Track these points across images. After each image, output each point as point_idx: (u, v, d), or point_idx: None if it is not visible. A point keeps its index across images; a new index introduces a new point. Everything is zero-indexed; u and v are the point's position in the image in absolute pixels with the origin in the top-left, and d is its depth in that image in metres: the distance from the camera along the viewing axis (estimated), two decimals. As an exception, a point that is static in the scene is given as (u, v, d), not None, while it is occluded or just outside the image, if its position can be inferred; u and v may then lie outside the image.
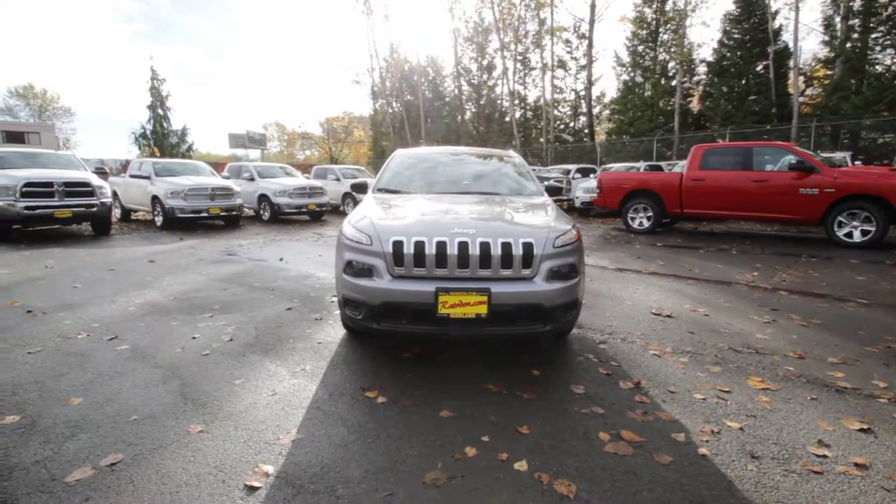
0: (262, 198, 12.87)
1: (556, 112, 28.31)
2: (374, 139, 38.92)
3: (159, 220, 10.60)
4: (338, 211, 15.43)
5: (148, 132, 30.66)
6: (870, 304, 4.28)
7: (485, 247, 2.58)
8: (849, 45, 17.04)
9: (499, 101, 32.31)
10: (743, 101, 20.24)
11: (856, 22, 16.91)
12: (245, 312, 4.03)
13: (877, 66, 16.86)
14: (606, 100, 28.03)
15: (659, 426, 2.18)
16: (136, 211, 12.24)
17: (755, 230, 9.93)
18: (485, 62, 31.88)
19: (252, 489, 1.70)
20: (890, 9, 16.22)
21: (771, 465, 1.89)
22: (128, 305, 4.23)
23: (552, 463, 1.87)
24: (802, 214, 7.66)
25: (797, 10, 18.01)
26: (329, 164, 19.41)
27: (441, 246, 2.58)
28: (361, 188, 4.10)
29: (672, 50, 23.35)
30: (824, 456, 1.95)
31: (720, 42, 21.34)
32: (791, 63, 19.29)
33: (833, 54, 17.78)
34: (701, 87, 22.87)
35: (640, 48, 24.45)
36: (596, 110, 27.70)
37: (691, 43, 23.16)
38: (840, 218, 7.31)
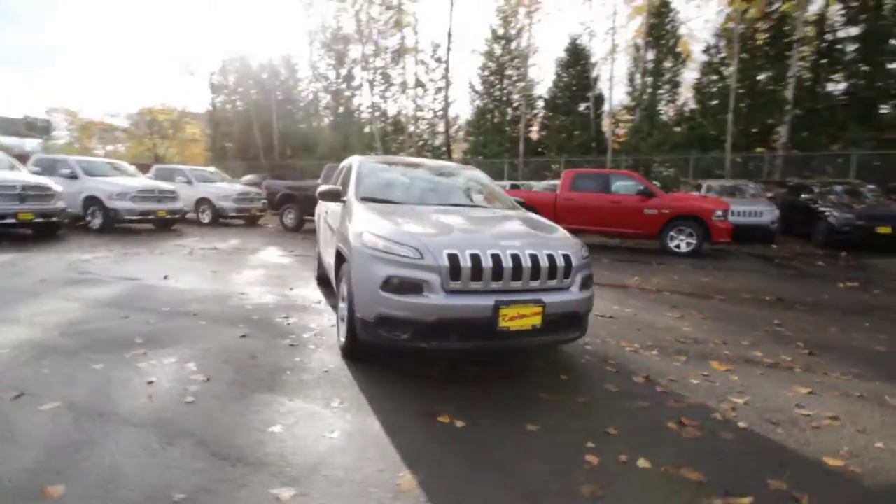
0: (91, 200, 10.29)
1: (415, 129, 29.36)
2: (213, 138, 34.39)
3: (-70, 228, 7.62)
4: (184, 219, 13.02)
5: None
6: (726, 300, 5.63)
7: (534, 259, 2.66)
8: (644, 97, 22.05)
9: (357, 112, 31.95)
10: (571, 135, 24.19)
11: (649, 80, 22.01)
12: (189, 345, 3.25)
13: (662, 116, 22.21)
14: (462, 121, 30.26)
15: (695, 410, 2.57)
16: None
17: (602, 242, 11.93)
18: (343, 71, 31.24)
19: (432, 545, 1.46)
20: (669, 73, 21.74)
21: (790, 427, 2.41)
22: (-10, 348, 3.00)
23: (662, 456, 2.06)
24: (646, 230, 9.58)
25: (612, 63, 22.67)
26: (175, 164, 16.46)
27: (496, 259, 2.57)
28: (333, 196, 3.71)
29: (516, 83, 26.57)
30: (809, 415, 2.57)
31: (554, 82, 25.15)
32: (605, 107, 23.93)
33: (634, 103, 22.78)
34: (539, 120, 26.52)
35: (491, 79, 27.15)
36: (452, 130, 29.63)
37: (532, 80, 26.74)
38: (671, 233, 9.39)
